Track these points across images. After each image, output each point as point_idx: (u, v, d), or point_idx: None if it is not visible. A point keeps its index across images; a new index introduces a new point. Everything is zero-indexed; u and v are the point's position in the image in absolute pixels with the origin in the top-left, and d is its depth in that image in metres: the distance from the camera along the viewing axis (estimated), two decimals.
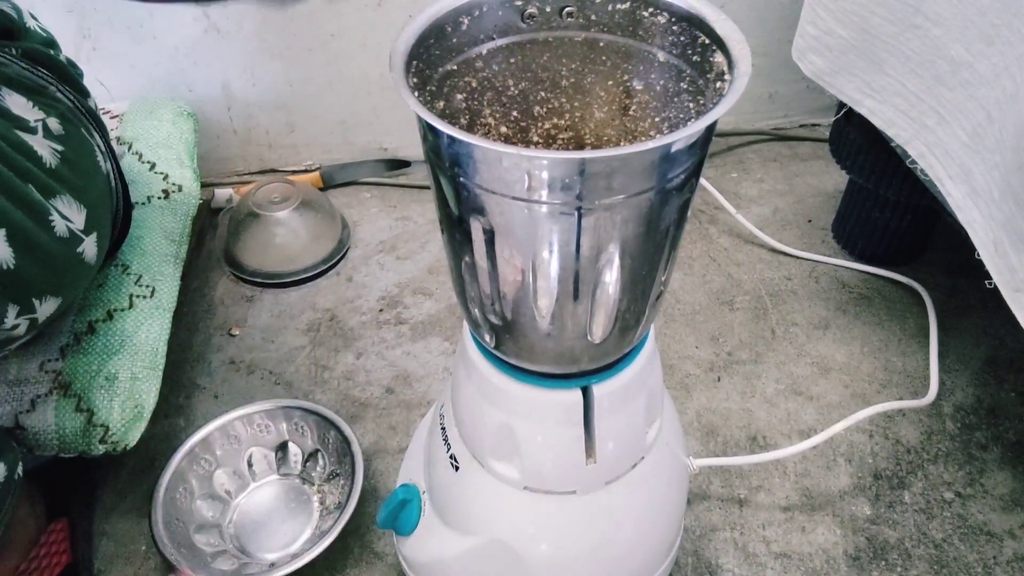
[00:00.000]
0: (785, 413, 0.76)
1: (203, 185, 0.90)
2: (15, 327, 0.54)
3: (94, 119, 0.67)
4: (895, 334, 0.84)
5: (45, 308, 0.57)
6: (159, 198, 0.81)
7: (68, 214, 0.57)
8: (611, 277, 0.35)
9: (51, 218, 0.55)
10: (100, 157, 0.64)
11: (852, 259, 0.93)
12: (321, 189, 1.07)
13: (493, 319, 0.40)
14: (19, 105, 0.57)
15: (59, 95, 0.62)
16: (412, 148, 1.10)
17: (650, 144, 0.28)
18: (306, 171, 1.09)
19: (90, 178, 0.61)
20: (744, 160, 1.11)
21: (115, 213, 0.66)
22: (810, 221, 0.99)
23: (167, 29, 0.95)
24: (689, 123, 0.30)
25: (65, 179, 0.57)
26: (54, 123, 0.59)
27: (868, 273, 0.91)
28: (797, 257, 0.94)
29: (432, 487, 0.55)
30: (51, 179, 0.56)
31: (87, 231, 0.59)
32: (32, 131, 0.56)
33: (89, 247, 0.60)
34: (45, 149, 0.57)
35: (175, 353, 0.82)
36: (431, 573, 0.55)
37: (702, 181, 1.01)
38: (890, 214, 0.87)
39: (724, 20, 0.35)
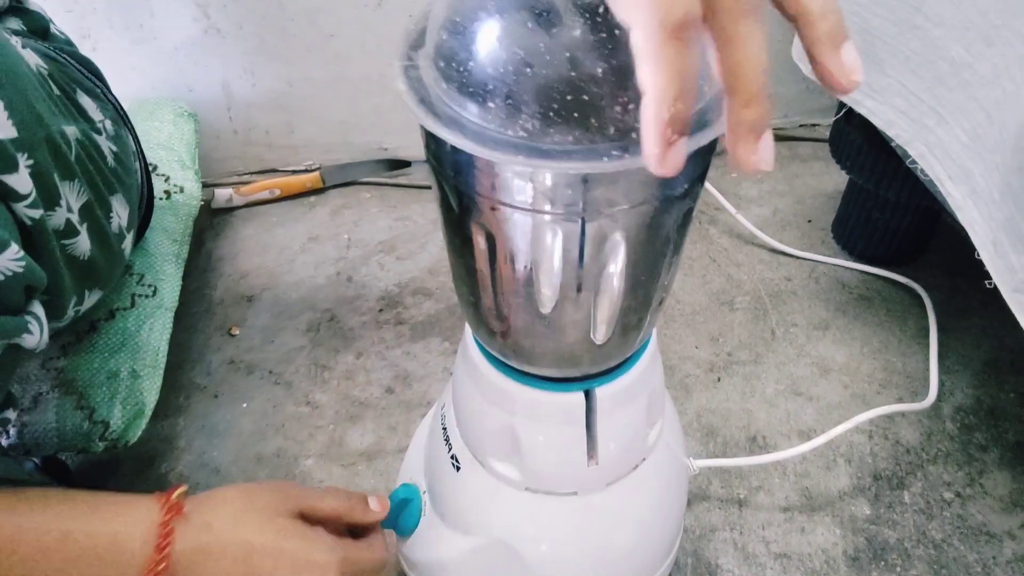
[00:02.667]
0: (785, 413, 0.76)
1: (203, 185, 0.90)
2: (67, 318, 0.55)
3: (127, 119, 0.68)
4: (895, 334, 0.84)
5: (89, 300, 0.58)
6: (161, 199, 0.81)
7: (119, 211, 0.59)
8: (614, 283, 0.35)
9: (111, 215, 0.58)
10: (132, 157, 0.66)
11: (852, 259, 0.93)
12: (321, 189, 1.07)
13: (495, 324, 0.40)
14: (89, 107, 0.60)
15: (104, 96, 0.64)
16: (412, 148, 1.10)
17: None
18: (306, 171, 1.09)
19: (132, 177, 0.64)
20: None
21: (140, 211, 0.68)
22: (810, 221, 0.99)
23: (167, 29, 0.95)
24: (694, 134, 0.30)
25: (119, 178, 0.60)
26: (108, 124, 0.62)
27: (868, 273, 0.91)
28: (797, 257, 0.94)
29: (433, 487, 0.55)
30: (112, 177, 0.59)
31: (128, 228, 0.62)
32: (99, 132, 0.59)
33: (128, 244, 0.63)
34: (107, 149, 0.59)
35: (175, 354, 0.82)
36: (431, 573, 0.55)
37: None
38: (890, 214, 0.87)
39: None
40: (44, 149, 0.47)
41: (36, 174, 0.46)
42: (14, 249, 0.43)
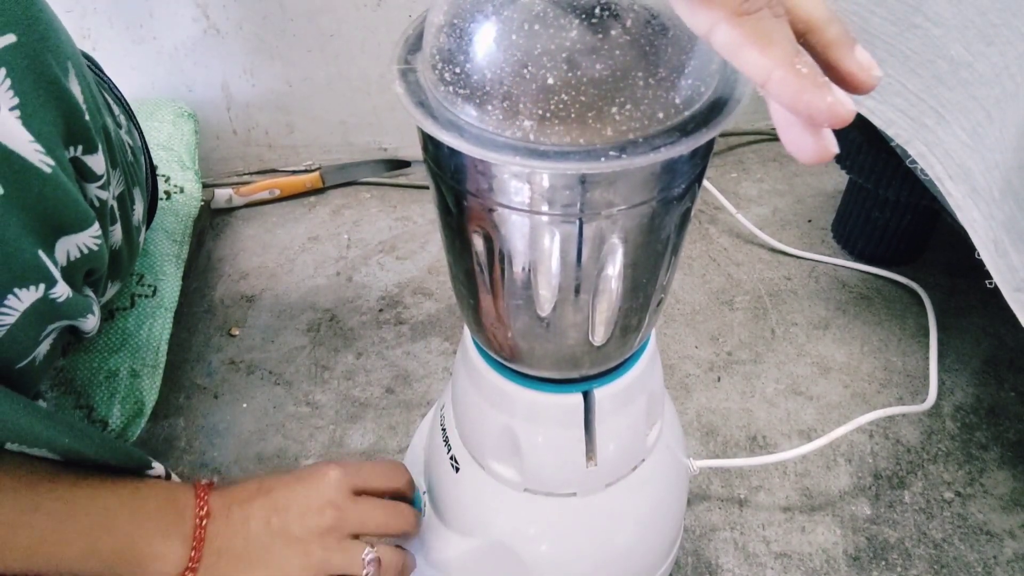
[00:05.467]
0: (785, 413, 0.76)
1: (203, 186, 0.90)
2: None
3: (133, 115, 0.69)
4: (895, 334, 0.84)
5: (109, 293, 0.59)
6: (161, 200, 0.81)
7: (137, 205, 0.60)
8: (613, 285, 0.35)
9: (134, 207, 0.58)
10: (140, 152, 0.66)
11: (852, 259, 0.93)
12: (321, 189, 1.07)
13: (494, 325, 0.40)
14: (110, 101, 0.60)
15: (112, 91, 0.65)
16: (412, 148, 1.10)
17: (652, 157, 0.28)
18: (306, 171, 1.09)
19: (142, 172, 0.64)
20: (744, 160, 1.11)
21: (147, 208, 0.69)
22: (810, 221, 0.99)
23: (167, 29, 0.95)
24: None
25: (135, 171, 0.61)
26: (123, 119, 0.62)
27: (868, 273, 0.91)
28: (797, 257, 0.94)
29: (432, 488, 0.55)
30: (132, 171, 0.59)
31: (143, 222, 0.63)
32: (119, 126, 0.59)
33: (143, 238, 0.64)
34: (126, 143, 0.60)
35: (174, 354, 0.82)
36: (431, 573, 0.55)
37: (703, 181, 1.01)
38: (890, 214, 0.87)
39: None
40: (103, 135, 0.48)
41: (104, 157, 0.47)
42: (96, 227, 0.44)
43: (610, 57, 0.27)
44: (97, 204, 0.47)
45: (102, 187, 0.47)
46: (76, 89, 0.43)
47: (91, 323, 0.47)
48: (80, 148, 0.44)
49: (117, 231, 0.53)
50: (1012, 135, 0.53)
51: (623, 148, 0.28)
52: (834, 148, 0.25)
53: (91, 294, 0.48)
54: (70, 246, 0.43)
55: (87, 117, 0.44)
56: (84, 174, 0.45)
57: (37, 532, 0.40)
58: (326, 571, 0.47)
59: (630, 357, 0.45)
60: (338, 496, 0.49)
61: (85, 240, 0.44)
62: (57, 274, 0.41)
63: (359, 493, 0.51)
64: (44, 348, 0.43)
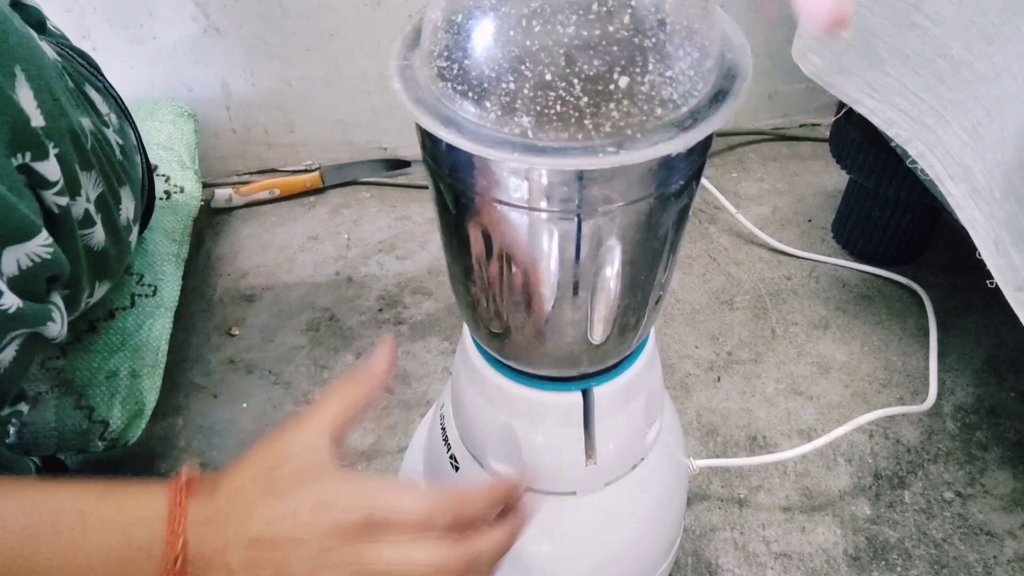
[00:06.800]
0: (785, 413, 0.76)
1: (203, 185, 0.90)
2: (79, 311, 0.55)
3: (127, 112, 0.69)
4: (895, 334, 0.84)
5: (98, 293, 0.58)
6: (161, 199, 0.81)
7: (126, 204, 0.60)
8: (611, 282, 0.35)
9: (121, 207, 0.58)
10: (135, 150, 0.66)
11: (852, 259, 0.93)
12: (320, 189, 1.07)
13: (493, 324, 0.40)
14: (96, 100, 0.60)
15: (106, 89, 0.64)
16: (411, 148, 1.10)
17: (650, 153, 0.28)
18: (306, 171, 1.09)
19: (136, 170, 0.64)
20: (744, 159, 1.10)
21: (142, 205, 0.69)
22: (810, 221, 0.99)
23: (166, 29, 0.95)
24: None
25: (126, 170, 0.60)
26: (113, 117, 0.62)
27: (868, 273, 0.91)
28: (797, 257, 0.93)
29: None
30: (120, 170, 0.59)
31: (134, 221, 0.62)
32: (106, 125, 0.59)
33: (134, 237, 0.63)
34: (114, 142, 0.59)
35: (173, 353, 0.81)
36: None
37: (702, 180, 1.01)
38: (890, 213, 0.87)
39: (725, 20, 0.35)
40: (67, 139, 0.48)
41: (62, 163, 0.46)
42: (44, 235, 0.44)
43: (607, 53, 0.27)
44: (57, 211, 0.46)
45: (59, 193, 0.46)
46: (24, 94, 0.42)
47: (54, 330, 0.46)
48: (28, 155, 0.43)
49: (98, 233, 0.53)
50: (1013, 134, 0.53)
51: (620, 144, 0.27)
52: (850, 10, 0.25)
53: (57, 301, 0.48)
54: (19, 255, 0.42)
55: (34, 123, 0.43)
56: (36, 181, 0.44)
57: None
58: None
59: (629, 355, 0.45)
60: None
61: (35, 249, 0.43)
62: (2, 284, 0.40)
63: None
64: (8, 355, 0.43)
